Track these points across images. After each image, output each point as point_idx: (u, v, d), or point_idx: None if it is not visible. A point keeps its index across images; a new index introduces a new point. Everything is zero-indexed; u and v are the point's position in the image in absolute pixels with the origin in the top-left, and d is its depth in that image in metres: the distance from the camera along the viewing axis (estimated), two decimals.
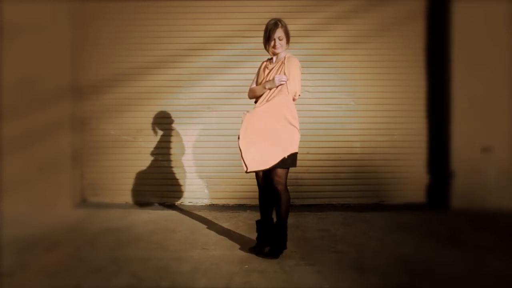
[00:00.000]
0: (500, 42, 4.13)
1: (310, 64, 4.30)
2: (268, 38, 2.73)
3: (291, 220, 3.76)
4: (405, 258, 2.80)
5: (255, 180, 2.93)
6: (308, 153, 4.31)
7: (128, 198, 4.44)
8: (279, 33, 2.71)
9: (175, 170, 4.43)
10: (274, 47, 2.74)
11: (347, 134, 4.39)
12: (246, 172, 2.70)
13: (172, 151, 4.43)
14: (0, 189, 3.96)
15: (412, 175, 4.41)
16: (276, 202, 2.79)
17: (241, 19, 4.32)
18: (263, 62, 2.94)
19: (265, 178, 2.82)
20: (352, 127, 4.40)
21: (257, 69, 2.98)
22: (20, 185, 4.03)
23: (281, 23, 2.72)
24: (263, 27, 2.79)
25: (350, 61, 4.39)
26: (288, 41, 2.79)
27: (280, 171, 2.73)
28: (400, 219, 3.78)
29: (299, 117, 2.68)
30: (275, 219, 2.86)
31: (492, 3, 4.10)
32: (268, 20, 2.79)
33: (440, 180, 4.33)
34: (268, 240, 2.86)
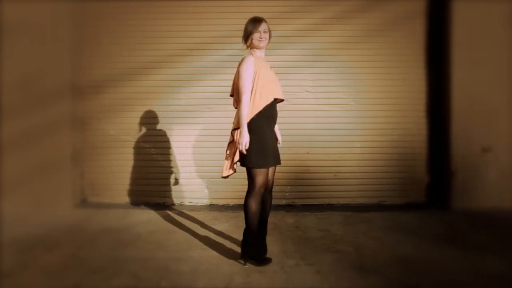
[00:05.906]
0: (500, 42, 4.13)
1: (310, 64, 4.28)
2: (251, 31, 2.67)
3: (291, 220, 3.78)
4: (405, 258, 2.80)
5: None
6: (308, 153, 4.31)
7: (128, 198, 4.44)
8: (264, 26, 2.68)
9: (175, 170, 4.43)
10: (260, 39, 2.66)
11: (347, 134, 4.39)
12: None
13: (172, 151, 4.44)
14: (0, 189, 3.96)
15: (412, 175, 4.40)
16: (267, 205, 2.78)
17: (241, 19, 4.24)
18: (252, 59, 2.65)
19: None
20: (352, 127, 4.40)
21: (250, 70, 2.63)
22: (20, 185, 4.03)
23: (264, 20, 2.70)
24: None
25: (350, 61, 4.38)
26: (269, 39, 2.73)
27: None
28: (400, 219, 3.78)
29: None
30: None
31: (492, 3, 4.10)
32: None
33: (440, 180, 4.33)
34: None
